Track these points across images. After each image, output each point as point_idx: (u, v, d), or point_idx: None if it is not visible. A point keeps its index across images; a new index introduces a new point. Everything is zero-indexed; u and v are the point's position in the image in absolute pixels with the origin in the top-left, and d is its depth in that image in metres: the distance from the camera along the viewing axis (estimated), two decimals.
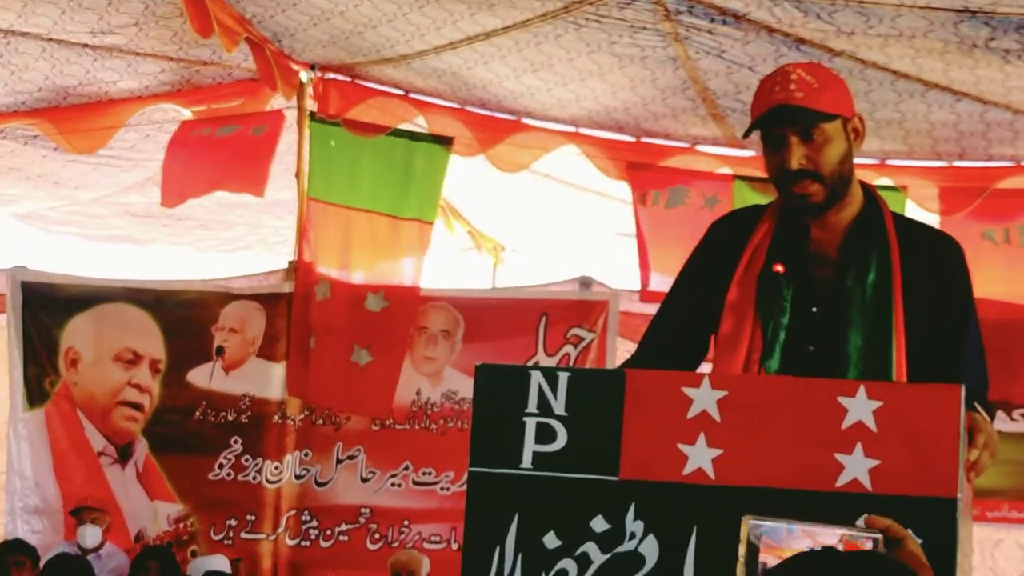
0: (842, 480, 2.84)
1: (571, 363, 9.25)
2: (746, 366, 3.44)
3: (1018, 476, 9.13)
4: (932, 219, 9.27)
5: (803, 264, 3.53)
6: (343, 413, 9.58)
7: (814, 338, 3.47)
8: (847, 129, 3.51)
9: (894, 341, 3.42)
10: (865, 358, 3.42)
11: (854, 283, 3.47)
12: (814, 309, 3.49)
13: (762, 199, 9.44)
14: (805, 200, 3.47)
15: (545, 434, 2.95)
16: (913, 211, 9.15)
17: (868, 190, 3.61)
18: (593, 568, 2.90)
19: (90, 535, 9.38)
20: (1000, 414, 9.00)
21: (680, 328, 3.64)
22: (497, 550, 2.93)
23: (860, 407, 2.85)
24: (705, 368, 3.47)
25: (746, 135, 3.58)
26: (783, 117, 3.43)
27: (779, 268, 3.49)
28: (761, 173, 9.52)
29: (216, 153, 9.90)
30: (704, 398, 2.92)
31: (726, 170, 9.57)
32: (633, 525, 2.90)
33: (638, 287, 9.67)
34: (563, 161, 10.02)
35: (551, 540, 2.92)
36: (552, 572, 2.91)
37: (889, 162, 9.40)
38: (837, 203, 3.52)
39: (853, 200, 3.54)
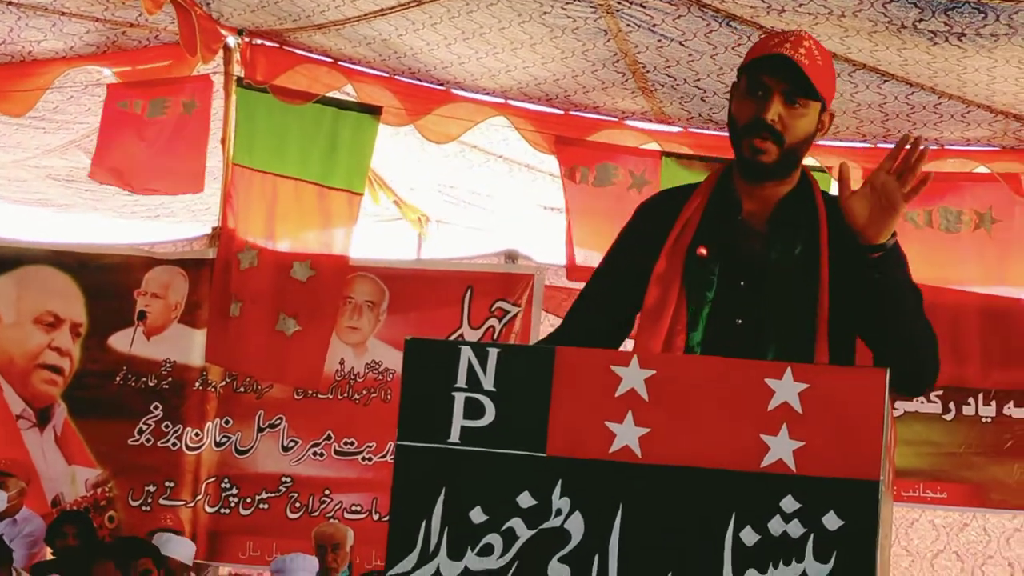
0: (767, 461, 2.86)
1: (495, 336, 9.27)
2: (669, 338, 3.45)
3: (933, 457, 9.26)
4: None
5: (732, 237, 3.55)
6: (268, 382, 9.55)
7: (743, 311, 3.49)
8: (820, 116, 3.54)
9: (818, 317, 3.45)
10: (787, 333, 3.44)
11: (780, 256, 3.50)
12: (742, 283, 3.51)
13: (690, 175, 9.51)
14: (758, 155, 3.49)
15: (473, 409, 2.95)
16: (836, 191, 9.21)
17: (803, 169, 3.65)
18: (519, 543, 2.90)
19: None
20: None
21: (606, 303, 3.65)
22: (423, 524, 2.93)
23: (786, 389, 2.87)
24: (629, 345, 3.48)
25: (739, 74, 3.56)
26: (781, 71, 3.44)
27: (703, 251, 3.50)
28: (688, 150, 9.63)
29: (149, 146, 9.77)
30: (632, 377, 2.92)
31: (653, 146, 9.60)
32: (559, 502, 2.90)
33: (563, 262, 9.69)
34: (491, 133, 10.01)
35: (477, 515, 2.92)
36: (478, 547, 2.91)
37: (814, 142, 9.44)
38: (779, 177, 3.54)
39: (791, 180, 3.57)
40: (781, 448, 2.86)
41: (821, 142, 9.39)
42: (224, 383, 9.65)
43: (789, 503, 2.84)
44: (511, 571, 2.90)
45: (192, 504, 9.56)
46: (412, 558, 2.93)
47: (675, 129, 9.60)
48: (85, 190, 12.00)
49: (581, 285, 3.81)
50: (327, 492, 9.47)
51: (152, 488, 9.58)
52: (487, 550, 2.91)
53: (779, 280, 3.48)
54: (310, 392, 9.51)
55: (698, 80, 8.61)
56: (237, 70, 9.65)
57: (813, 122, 3.53)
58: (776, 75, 3.45)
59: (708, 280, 3.50)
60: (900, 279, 3.44)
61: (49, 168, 11.76)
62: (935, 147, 9.27)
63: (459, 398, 2.97)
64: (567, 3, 7.87)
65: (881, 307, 3.41)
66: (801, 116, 3.49)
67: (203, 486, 9.58)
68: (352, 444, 9.49)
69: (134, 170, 9.83)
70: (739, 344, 3.39)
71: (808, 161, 9.58)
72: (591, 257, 9.13)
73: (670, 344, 3.45)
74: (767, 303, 3.47)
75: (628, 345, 3.51)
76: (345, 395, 9.55)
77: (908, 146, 3.34)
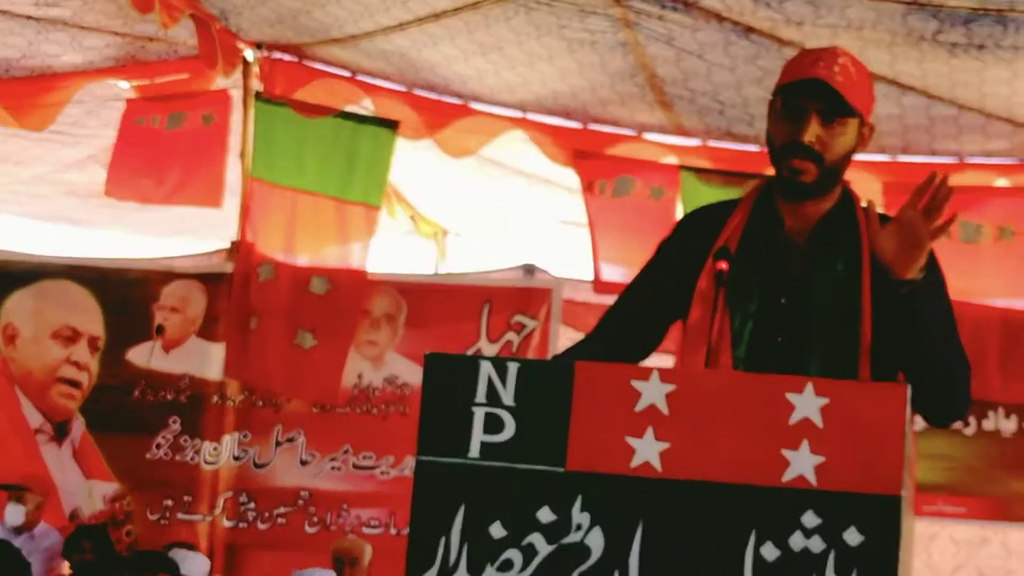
0: (788, 476, 2.84)
1: (513, 350, 9.26)
2: (713, 355, 3.44)
3: (954, 471, 9.22)
4: None
5: (773, 254, 3.53)
6: (286, 396, 9.54)
7: (784, 329, 3.47)
8: (860, 131, 3.52)
9: (860, 334, 3.42)
10: (828, 350, 3.43)
11: (821, 273, 3.48)
12: (783, 300, 3.50)
13: (708, 189, 9.49)
14: (797, 175, 3.47)
15: (493, 424, 2.95)
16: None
17: (844, 184, 3.63)
18: (538, 559, 2.89)
19: (12, 514, 9.30)
20: None
21: (638, 316, 3.64)
22: (443, 540, 2.92)
23: (807, 404, 2.86)
24: (661, 359, 3.46)
25: (775, 94, 3.55)
26: (816, 92, 3.43)
27: (722, 265, 3.48)
28: (707, 163, 9.62)
29: (167, 156, 9.78)
30: (652, 392, 2.91)
31: (672, 159, 9.60)
32: (579, 517, 2.89)
33: (582, 276, 9.69)
34: (509, 147, 10.01)
35: (497, 530, 2.91)
36: (497, 562, 2.90)
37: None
38: (819, 195, 3.53)
39: (832, 197, 3.56)
40: (802, 463, 2.85)
41: None
42: (242, 397, 9.65)
43: (810, 518, 2.83)
44: None
45: (210, 518, 9.56)
46: (431, 574, 2.92)
47: (693, 142, 9.60)
48: (103, 206, 12.01)
49: (604, 298, 3.80)
50: (345, 507, 9.46)
51: (170, 502, 9.58)
52: (507, 566, 2.90)
53: (820, 298, 3.47)
54: (328, 406, 9.51)
55: (716, 93, 8.61)
56: (256, 84, 9.67)
57: (852, 138, 3.51)
58: (812, 97, 3.44)
59: (750, 295, 3.49)
60: (932, 310, 3.40)
61: (68, 184, 11.78)
62: (954, 160, 9.25)
63: (479, 413, 2.96)
64: (585, 17, 7.88)
65: (910, 338, 3.40)
66: (840, 135, 3.47)
67: (221, 500, 9.57)
68: (370, 458, 9.48)
69: (152, 182, 9.85)
70: (780, 361, 3.38)
71: None
72: (615, 270, 9.11)
73: (714, 361, 3.43)
74: (808, 320, 3.46)
75: (658, 361, 3.48)
76: (363, 409, 9.54)
77: (935, 184, 3.32)
